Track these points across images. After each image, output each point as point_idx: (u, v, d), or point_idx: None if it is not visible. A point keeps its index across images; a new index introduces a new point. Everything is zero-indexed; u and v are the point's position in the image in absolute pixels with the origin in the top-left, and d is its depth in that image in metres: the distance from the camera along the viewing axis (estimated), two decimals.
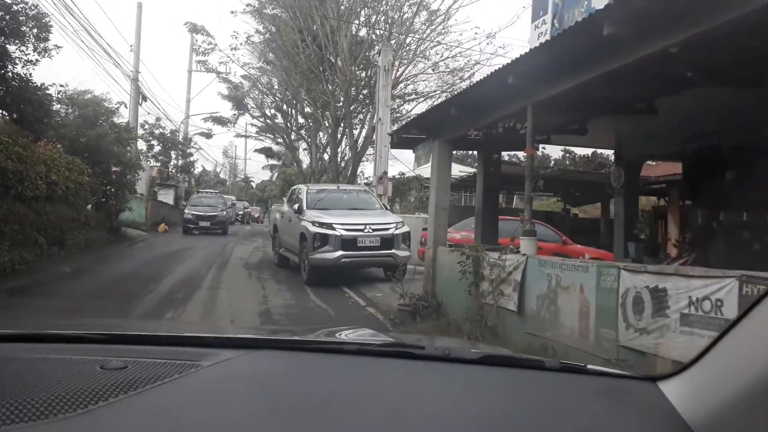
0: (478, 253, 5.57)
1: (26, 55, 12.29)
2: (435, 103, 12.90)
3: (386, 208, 11.71)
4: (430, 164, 7.61)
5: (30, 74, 12.39)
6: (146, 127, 32.38)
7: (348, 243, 9.72)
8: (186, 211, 23.58)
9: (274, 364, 1.24)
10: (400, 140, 8.03)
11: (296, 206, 11.07)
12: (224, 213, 24.20)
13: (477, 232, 8.53)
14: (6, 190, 10.04)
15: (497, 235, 8.34)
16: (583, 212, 21.87)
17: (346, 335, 1.62)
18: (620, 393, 1.14)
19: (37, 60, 12.67)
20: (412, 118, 7.83)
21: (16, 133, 10.47)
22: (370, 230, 9.90)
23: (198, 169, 46.17)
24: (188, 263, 13.06)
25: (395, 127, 22.05)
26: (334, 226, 9.84)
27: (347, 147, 24.51)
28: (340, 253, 9.66)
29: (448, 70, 21.87)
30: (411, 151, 8.75)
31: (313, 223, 10.04)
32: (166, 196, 32.66)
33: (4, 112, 11.12)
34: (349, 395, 1.05)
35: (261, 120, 30.55)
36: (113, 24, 51.80)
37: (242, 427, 0.91)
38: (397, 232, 10.16)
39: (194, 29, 20.47)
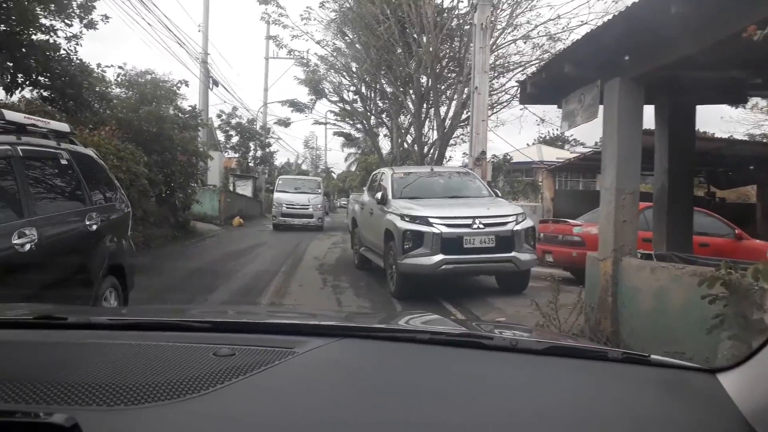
0: (745, 280, 2.73)
1: (69, 27, 10.74)
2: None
3: (497, 195, 8.88)
4: (603, 119, 4.65)
5: (74, 50, 10.85)
6: (223, 117, 31.55)
7: (451, 243, 7.03)
8: None
9: (356, 351, 1.28)
10: (537, 89, 5.17)
11: (379, 195, 8.51)
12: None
13: (657, 232, 5.53)
14: None
15: (691, 237, 5.38)
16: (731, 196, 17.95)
17: (420, 323, 1.76)
18: (680, 384, 1.17)
19: (81, 33, 11.09)
20: (571, 43, 4.78)
21: (42, 115, 8.61)
22: (481, 225, 7.15)
23: (280, 161, 45.40)
24: (254, 265, 10.98)
25: (493, 99, 19.32)
26: (431, 220, 7.18)
27: (431, 129, 21.93)
28: (440, 257, 7.00)
29: (546, 34, 18.36)
30: (556, 107, 5.66)
31: (402, 216, 7.45)
32: (245, 188, 31.58)
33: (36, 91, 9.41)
34: (421, 383, 1.09)
35: (339, 105, 28.60)
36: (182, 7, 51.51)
37: (333, 410, 0.96)
38: (519, 227, 7.34)
39: (265, 0, 18.47)
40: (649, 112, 5.60)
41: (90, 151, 5.24)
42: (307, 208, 20.43)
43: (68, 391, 0.93)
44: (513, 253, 7.23)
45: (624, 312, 4.19)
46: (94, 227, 4.49)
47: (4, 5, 8.99)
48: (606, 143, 4.61)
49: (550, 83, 5.21)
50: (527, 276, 7.87)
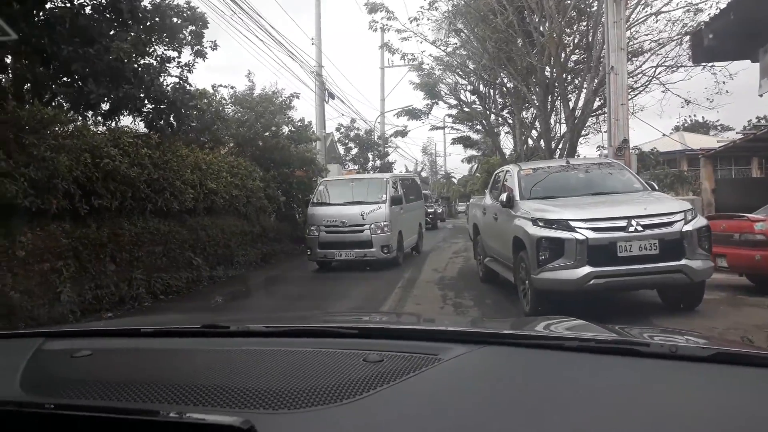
0: None
1: (180, 58, 10.54)
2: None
3: (654, 188, 7.20)
4: None
5: (185, 77, 10.68)
6: (342, 130, 31.80)
7: (600, 252, 5.62)
8: None
9: (501, 359, 1.25)
10: (720, 39, 3.77)
11: (504, 197, 7.28)
12: None
13: None
14: (140, 205, 8.09)
15: None
16: None
17: (563, 329, 1.63)
18: None
19: (194, 61, 10.91)
20: None
21: (145, 137, 8.52)
22: (639, 227, 5.65)
23: (399, 169, 45.15)
24: (370, 280, 10.20)
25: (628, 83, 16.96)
26: (572, 224, 5.82)
27: (558, 123, 20.05)
28: (586, 270, 5.61)
29: (688, 4, 15.50)
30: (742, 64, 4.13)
31: (534, 221, 6.17)
32: None
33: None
34: (571, 394, 1.05)
35: (457, 107, 27.52)
36: (295, 23, 53.50)
37: (482, 420, 0.94)
38: (689, 227, 5.72)
39: (373, 9, 17.99)
40: None
41: None
42: (361, 230, 11.10)
43: (238, 395, 0.99)
44: (683, 261, 5.63)
45: None
46: None
47: (119, 36, 8.91)
48: None
49: (740, 28, 3.75)
50: (702, 288, 6.18)
